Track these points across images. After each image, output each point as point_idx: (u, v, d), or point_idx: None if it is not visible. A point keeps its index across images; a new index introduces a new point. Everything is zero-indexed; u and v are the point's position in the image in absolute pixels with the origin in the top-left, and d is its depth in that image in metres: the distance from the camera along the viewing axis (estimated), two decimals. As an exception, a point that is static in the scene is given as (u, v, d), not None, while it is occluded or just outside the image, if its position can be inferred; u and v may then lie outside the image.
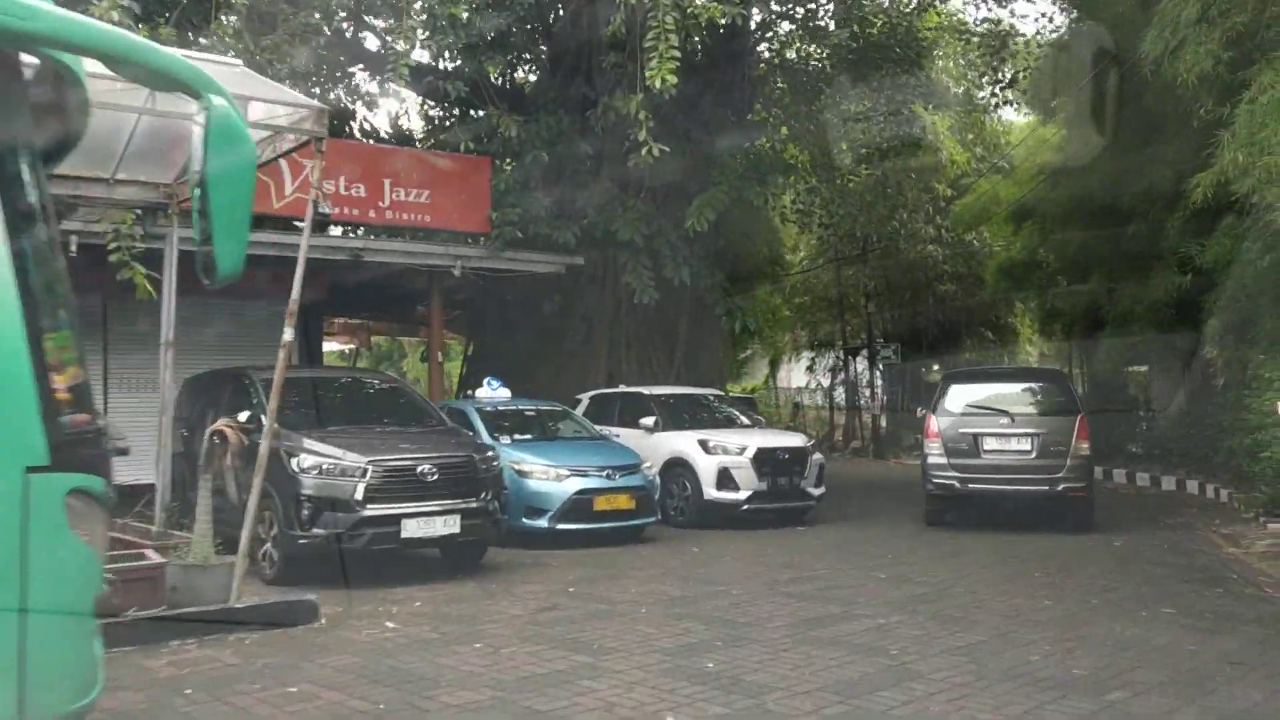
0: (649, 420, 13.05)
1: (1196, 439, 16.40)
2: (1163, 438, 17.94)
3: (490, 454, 9.52)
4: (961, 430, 12.06)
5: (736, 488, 12.17)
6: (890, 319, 29.30)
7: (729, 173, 15.27)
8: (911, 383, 29.19)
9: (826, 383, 32.20)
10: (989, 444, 11.93)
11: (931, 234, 26.93)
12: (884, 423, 29.04)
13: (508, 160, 15.99)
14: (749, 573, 9.38)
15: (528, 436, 12.05)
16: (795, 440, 13.19)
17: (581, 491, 10.76)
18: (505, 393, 12.81)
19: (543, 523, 10.68)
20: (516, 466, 10.75)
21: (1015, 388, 13.32)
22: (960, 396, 12.52)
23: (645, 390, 14.08)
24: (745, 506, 12.18)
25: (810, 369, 32.33)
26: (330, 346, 27.09)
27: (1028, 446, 11.81)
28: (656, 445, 12.81)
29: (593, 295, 17.19)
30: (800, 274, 28.56)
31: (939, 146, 26.08)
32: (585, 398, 14.68)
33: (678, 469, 12.53)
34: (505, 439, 11.47)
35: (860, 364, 30.05)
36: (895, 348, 27.78)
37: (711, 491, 12.18)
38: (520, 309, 17.77)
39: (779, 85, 20.40)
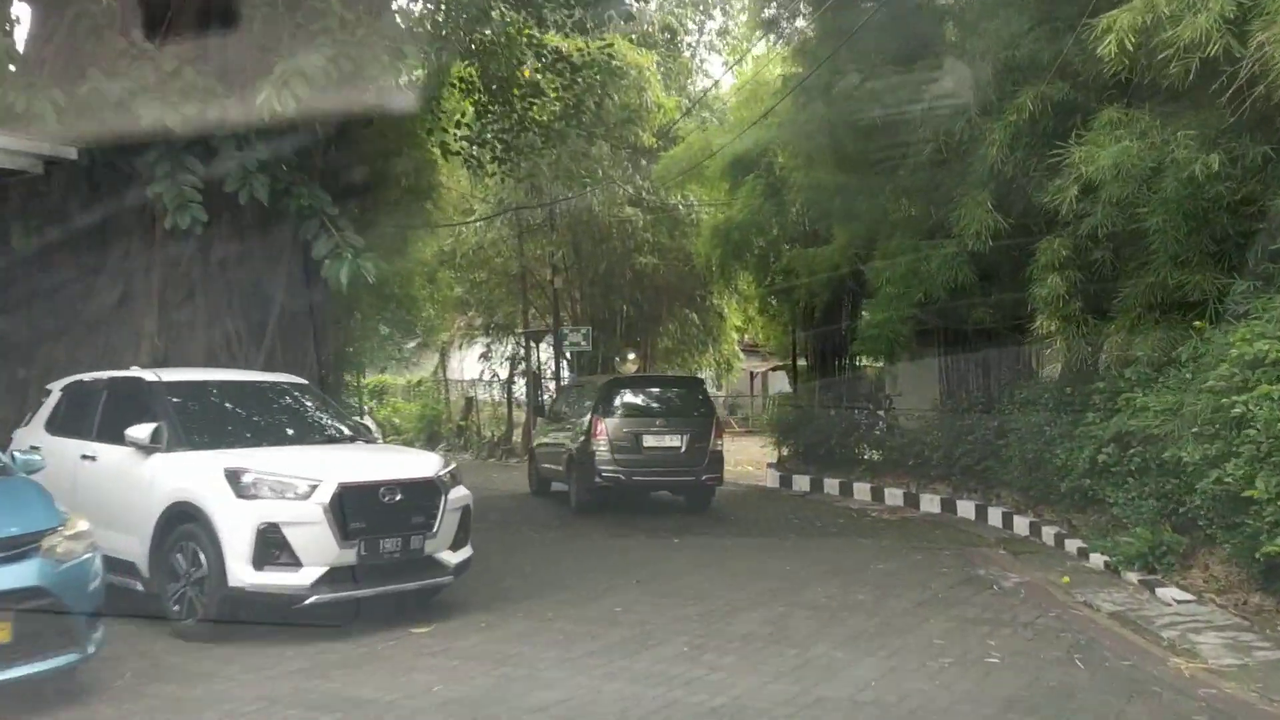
0: (142, 431, 6.90)
1: (975, 448, 12.53)
2: (919, 445, 14.13)
3: None
4: (625, 430, 13.28)
5: (295, 562, 6.35)
6: (583, 298, 24.38)
7: (331, 15, 9.26)
8: (606, 372, 24.37)
9: (505, 374, 26.85)
10: (648, 441, 13.32)
11: (631, 194, 22.27)
12: (572, 422, 24.07)
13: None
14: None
15: None
16: (416, 467, 7.29)
17: None
18: None
19: None
20: None
21: (666, 392, 14.63)
22: (622, 400, 13.82)
23: (153, 376, 7.79)
24: (312, 598, 6.39)
25: (485, 357, 26.82)
26: None
27: (678, 443, 13.36)
28: (154, 479, 6.76)
29: (121, 221, 10.61)
30: (468, 224, 22.82)
31: (644, 85, 21.47)
32: (56, 389, 8.29)
33: (185, 525, 6.53)
34: None
35: (545, 351, 24.97)
36: (586, 331, 22.87)
37: (243, 570, 6.29)
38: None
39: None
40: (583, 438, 13.37)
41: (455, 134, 15.69)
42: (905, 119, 10.59)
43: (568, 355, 24.52)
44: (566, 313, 24.71)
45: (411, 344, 40.52)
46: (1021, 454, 11.01)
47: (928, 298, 10.76)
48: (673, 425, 13.43)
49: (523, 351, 25.70)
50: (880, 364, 18.01)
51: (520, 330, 24.93)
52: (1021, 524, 11.21)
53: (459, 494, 7.11)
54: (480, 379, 27.82)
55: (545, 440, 15.72)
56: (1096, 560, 8.89)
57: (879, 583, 8.27)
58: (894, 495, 14.30)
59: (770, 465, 17.75)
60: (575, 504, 13.62)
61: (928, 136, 10.19)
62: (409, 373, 36.42)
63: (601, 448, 13.02)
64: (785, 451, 17.73)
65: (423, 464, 7.27)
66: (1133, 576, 8.10)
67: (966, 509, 12.67)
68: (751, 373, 34.55)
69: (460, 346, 29.74)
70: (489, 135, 15.73)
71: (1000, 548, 10.25)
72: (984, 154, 9.32)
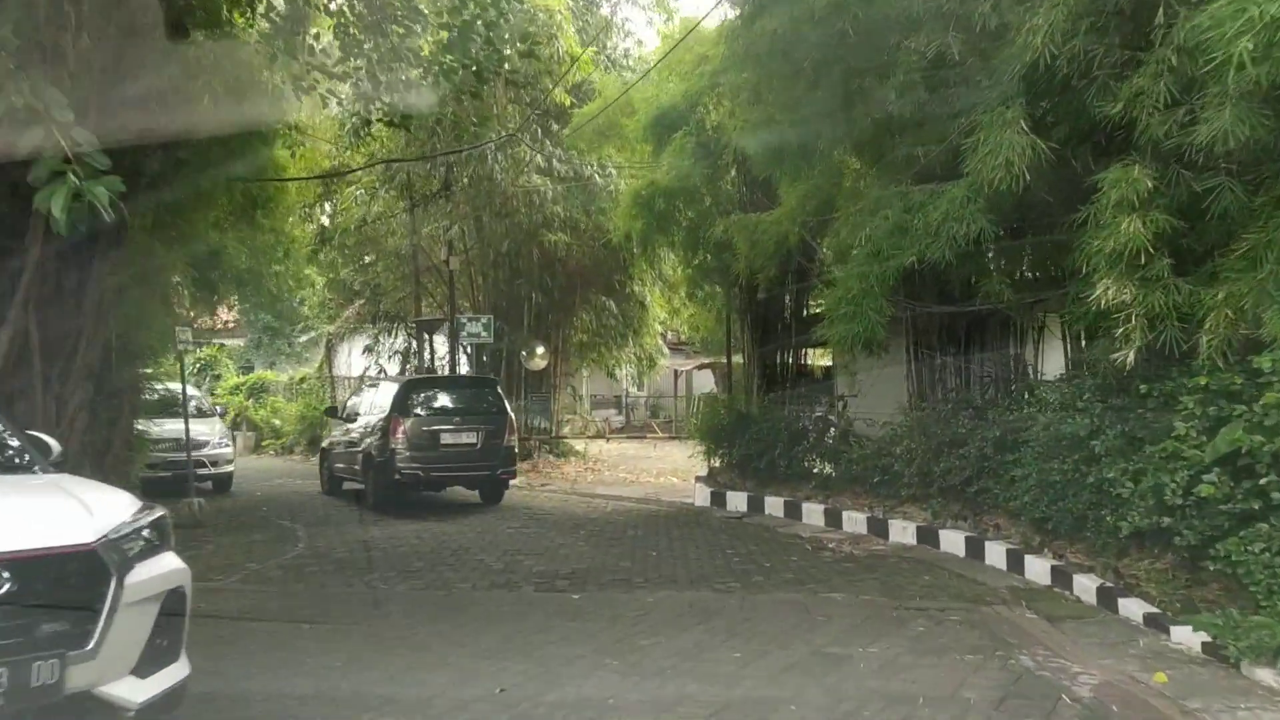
0: None
1: (964, 463, 9.72)
2: (885, 457, 11.31)
3: None
4: (423, 428, 13.77)
5: None
6: (485, 284, 21.15)
7: None
8: (511, 368, 21.19)
9: (396, 370, 23.48)
10: (445, 439, 13.85)
11: (540, 163, 19.14)
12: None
13: None
14: None
15: None
16: (57, 525, 3.81)
17: None
18: None
19: None
20: None
21: (462, 392, 15.24)
22: (420, 399, 14.33)
23: None
24: None
25: (370, 350, 23.39)
26: None
27: (474, 440, 14.00)
28: None
29: None
30: (332, 181, 19.38)
31: (554, 33, 18.34)
32: None
33: None
34: None
35: (442, 345, 21.66)
36: (487, 321, 19.65)
37: None
38: None
39: None
40: (381, 437, 13.77)
41: (307, 62, 12.37)
42: (895, 16, 7.66)
43: (467, 349, 21.28)
44: (467, 300, 21.46)
45: (304, 337, 36.93)
46: (1041, 475, 8.20)
47: (920, 263, 7.85)
48: (469, 423, 14.04)
49: (415, 345, 22.38)
50: (832, 359, 15.21)
51: (412, 320, 21.59)
52: (1037, 568, 8.41)
53: (153, 572, 3.90)
54: (367, 376, 24.32)
55: (338, 440, 15.84)
56: (1183, 637, 6.09)
57: (885, 691, 5.30)
58: (854, 520, 11.45)
59: (700, 479, 14.80)
60: (372, 501, 13.95)
61: (929, 36, 7.26)
62: (299, 369, 32.78)
63: (400, 445, 13.49)
64: (717, 462, 14.78)
65: (74, 520, 3.86)
66: (1269, 677, 5.28)
67: (952, 542, 9.85)
68: (676, 371, 31.63)
69: (346, 339, 26.24)
70: (353, 67, 12.44)
71: (1024, 606, 7.41)
72: (1020, 48, 6.44)
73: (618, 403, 34.82)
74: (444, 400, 14.64)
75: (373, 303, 22.73)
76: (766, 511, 12.95)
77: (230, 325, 43.53)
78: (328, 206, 21.67)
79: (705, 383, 33.93)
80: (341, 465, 15.48)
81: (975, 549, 9.49)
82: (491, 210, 20.07)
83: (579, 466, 20.58)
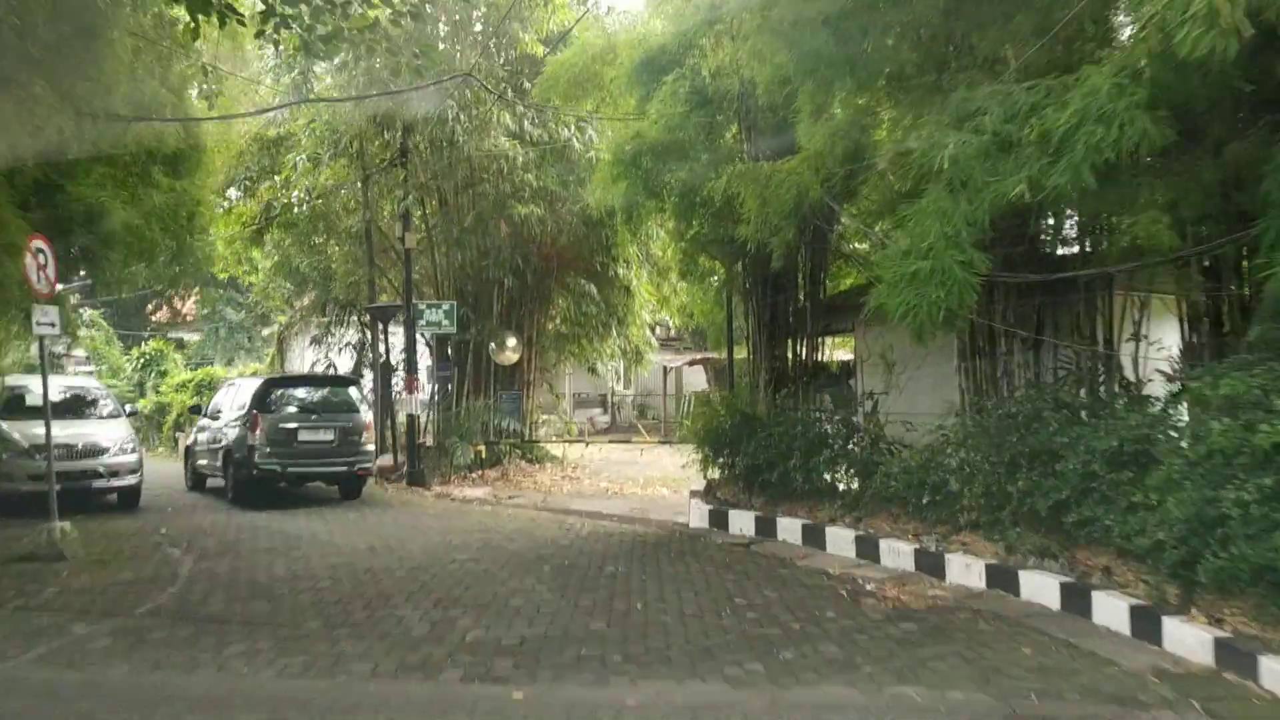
0: None
1: (1058, 484, 7.22)
2: (935, 471, 8.79)
3: None
4: (282, 425, 14.08)
5: None
6: (448, 266, 18.53)
7: None
8: (479, 363, 18.61)
9: (350, 365, 20.86)
10: (303, 435, 14.18)
11: (509, 124, 16.54)
12: (433, 428, 18.24)
13: None
14: None
15: None
16: None
17: None
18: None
19: None
20: None
21: (321, 391, 15.58)
22: (278, 397, 14.68)
23: None
24: None
25: (318, 342, 20.75)
26: None
27: (331, 437, 14.35)
28: None
29: None
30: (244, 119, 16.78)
31: (524, -32, 15.75)
32: None
33: None
34: None
35: (398, 336, 19.04)
36: (449, 309, 17.08)
37: None
38: None
39: None
40: (241, 433, 14.12)
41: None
42: None
43: (427, 340, 18.67)
44: (430, 286, 18.83)
45: (266, 330, 34.27)
46: (1189, 505, 5.68)
47: (1030, 196, 5.28)
48: (326, 421, 14.45)
49: (369, 336, 19.76)
50: (855, 350, 12.75)
51: (364, 307, 18.94)
52: (1186, 638, 5.87)
53: None
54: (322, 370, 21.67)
55: (202, 438, 16.16)
56: None
57: None
58: (896, 553, 8.92)
59: (696, 494, 12.23)
60: (232, 496, 14.36)
61: None
62: (255, 364, 30.12)
63: (259, 442, 13.81)
64: (717, 474, 12.24)
65: None
66: None
67: (1040, 589, 7.31)
68: (665, 367, 29.05)
69: (300, 331, 23.55)
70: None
71: (1198, 711, 4.88)
72: None
73: (603, 402, 32.25)
74: (303, 398, 15.04)
75: (323, 289, 20.06)
76: (780, 536, 10.40)
77: (189, 319, 40.89)
78: (276, 180, 19.00)
79: (696, 381, 31.35)
80: (204, 462, 15.97)
81: (1077, 601, 6.94)
82: (453, 179, 17.48)
83: (555, 474, 18.00)
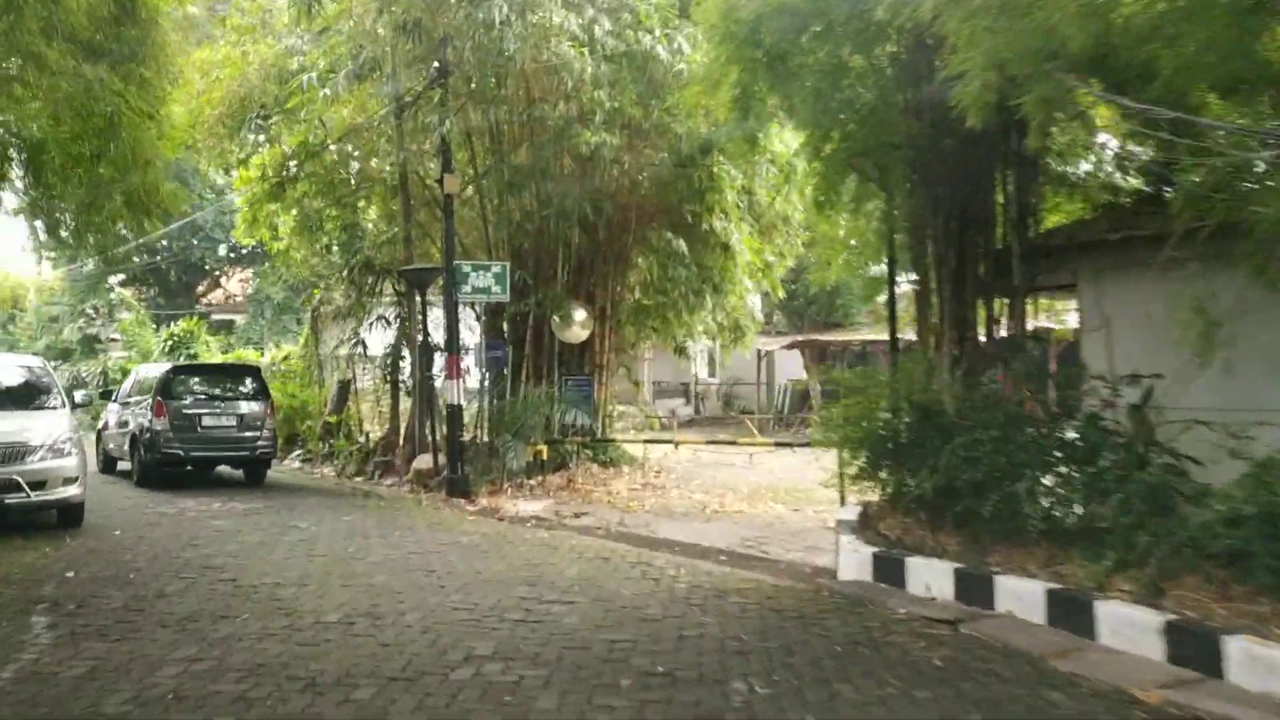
0: None
1: None
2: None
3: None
4: (185, 411, 14.52)
5: None
6: (498, 219, 14.76)
7: None
8: (539, 340, 14.86)
9: (381, 341, 17.31)
10: (206, 421, 14.63)
11: (576, 28, 12.65)
12: (482, 421, 14.57)
13: None
14: None
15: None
16: None
17: None
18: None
19: None
20: None
21: (225, 378, 16.39)
22: (182, 384, 15.27)
23: None
24: None
25: (343, 316, 17.22)
26: None
27: (234, 423, 14.81)
28: None
29: None
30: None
31: None
32: None
33: None
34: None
35: (434, 309, 15.41)
36: (500, 271, 13.40)
37: None
38: None
39: None
40: (147, 418, 14.61)
41: None
42: None
43: (477, 313, 15.00)
44: (479, 247, 15.11)
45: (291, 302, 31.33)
46: None
47: None
48: (229, 407, 15.01)
49: (404, 307, 16.16)
50: (1080, 317, 8.67)
51: (398, 268, 15.28)
52: None
53: None
54: (349, 350, 18.15)
55: (113, 422, 16.51)
56: None
57: None
58: (1254, 662, 4.84)
59: (845, 525, 8.21)
60: (137, 479, 14.89)
61: None
62: (268, 345, 26.97)
63: (163, 427, 14.30)
64: (878, 495, 8.26)
65: None
66: None
67: None
68: (760, 351, 24.98)
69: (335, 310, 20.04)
70: None
71: None
72: None
73: (684, 391, 28.30)
74: (207, 385, 15.61)
75: (347, 251, 16.51)
76: (1000, 606, 6.39)
77: (237, 300, 38.13)
78: (299, 117, 15.47)
79: (792, 368, 27.26)
80: (114, 446, 16.46)
81: None
82: (506, 105, 13.71)
83: (634, 481, 14.21)
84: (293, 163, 16.30)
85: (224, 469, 15.76)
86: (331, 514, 11.57)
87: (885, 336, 10.76)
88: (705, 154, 13.58)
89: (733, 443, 15.86)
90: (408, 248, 15.06)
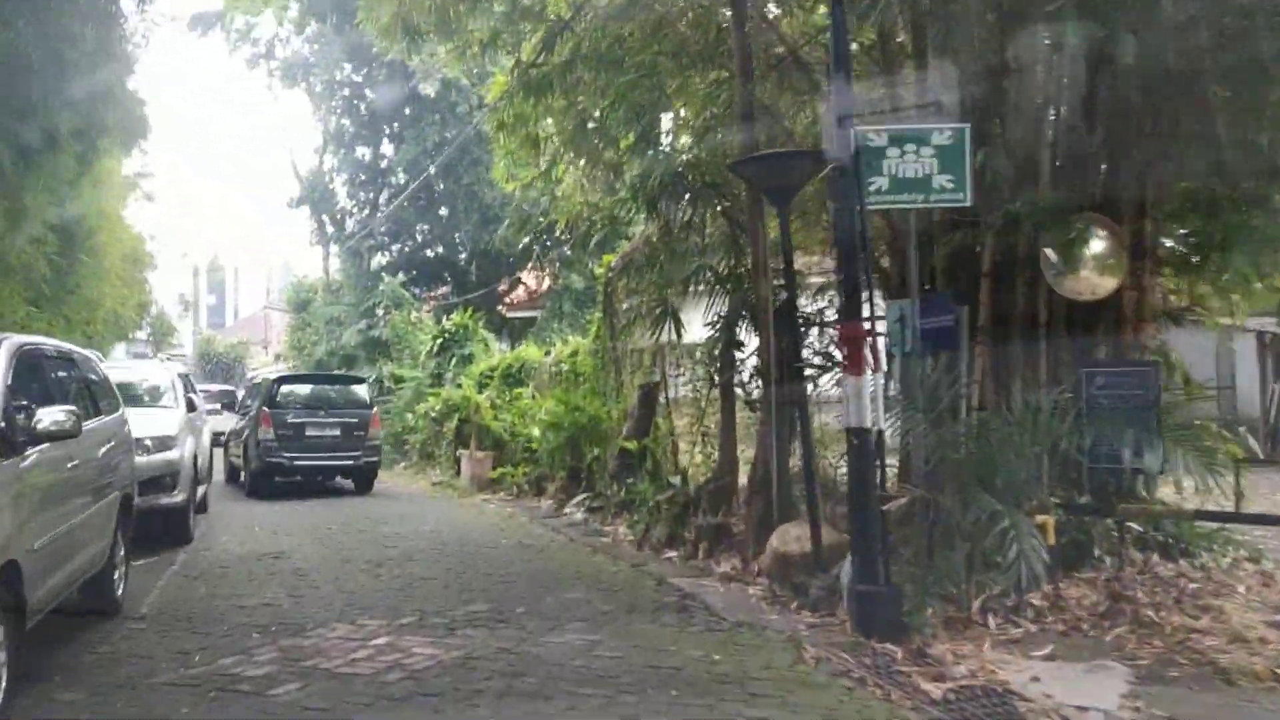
0: None
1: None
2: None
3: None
4: (290, 420, 15.08)
5: None
6: (937, 65, 7.32)
7: None
8: (1011, 295, 7.22)
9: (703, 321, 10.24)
10: (310, 430, 15.13)
11: None
12: (911, 463, 7.13)
13: None
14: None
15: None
16: None
17: None
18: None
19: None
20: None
21: (329, 389, 16.93)
22: (288, 394, 15.80)
23: None
24: None
25: (644, 272, 10.30)
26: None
27: (338, 432, 15.32)
28: None
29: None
30: None
31: None
32: None
33: None
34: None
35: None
36: (953, 136, 6.04)
37: None
38: None
39: None
40: (254, 428, 15.13)
41: None
42: None
43: (893, 232, 7.64)
44: (879, 110, 7.67)
45: (624, 304, 25.24)
46: None
47: None
48: (333, 416, 15.52)
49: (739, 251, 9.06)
50: None
51: (729, 164, 8.19)
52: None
53: None
54: (652, 333, 11.41)
55: (235, 432, 17.15)
56: None
57: None
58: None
59: None
60: (248, 489, 15.32)
61: None
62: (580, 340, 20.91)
63: (268, 436, 14.78)
64: None
65: None
66: None
67: None
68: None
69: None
70: None
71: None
72: None
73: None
74: (311, 395, 16.15)
75: (641, 158, 9.66)
76: None
77: (536, 296, 33.46)
78: None
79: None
80: (236, 455, 16.69)
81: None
82: None
83: (1255, 594, 6.28)
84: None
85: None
86: (611, 680, 4.71)
87: None
88: None
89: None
90: (748, 127, 7.97)
